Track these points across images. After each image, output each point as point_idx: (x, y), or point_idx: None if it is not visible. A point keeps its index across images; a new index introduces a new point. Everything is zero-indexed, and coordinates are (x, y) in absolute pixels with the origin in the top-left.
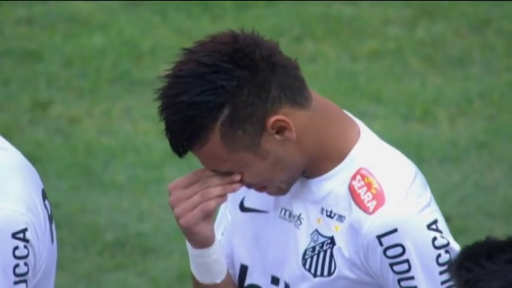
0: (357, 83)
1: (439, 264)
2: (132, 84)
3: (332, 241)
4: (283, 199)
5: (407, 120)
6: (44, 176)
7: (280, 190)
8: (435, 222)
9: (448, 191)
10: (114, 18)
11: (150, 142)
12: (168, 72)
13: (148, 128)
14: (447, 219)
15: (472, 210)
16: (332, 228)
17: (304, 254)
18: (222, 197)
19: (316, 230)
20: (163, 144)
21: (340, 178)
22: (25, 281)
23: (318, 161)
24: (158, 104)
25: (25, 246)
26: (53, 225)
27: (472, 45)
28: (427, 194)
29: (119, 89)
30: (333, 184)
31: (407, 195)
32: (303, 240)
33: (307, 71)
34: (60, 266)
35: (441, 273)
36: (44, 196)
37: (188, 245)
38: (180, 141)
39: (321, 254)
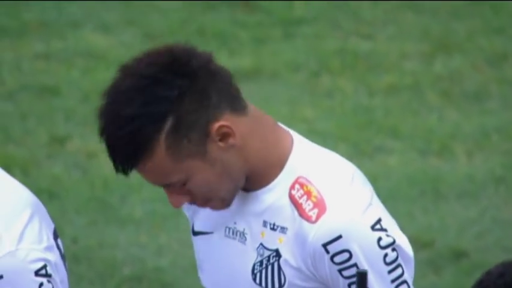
0: (373, 117)
1: (387, 264)
2: None
3: (277, 254)
4: (226, 217)
5: (424, 155)
6: (61, 211)
7: (223, 202)
8: (379, 221)
9: (465, 226)
10: (132, 53)
11: None
12: (107, 89)
13: None
14: (464, 254)
15: (489, 245)
16: (276, 240)
17: (253, 269)
18: None
19: (261, 244)
20: None
21: (279, 189)
22: None
23: (258, 173)
24: (98, 123)
25: (49, 281)
26: (66, 264)
27: (489, 80)
28: (368, 192)
29: None
30: (274, 196)
31: (347, 199)
32: (250, 256)
33: (323, 106)
34: None
35: (390, 272)
36: (56, 235)
37: None
38: (125, 158)
39: (269, 268)
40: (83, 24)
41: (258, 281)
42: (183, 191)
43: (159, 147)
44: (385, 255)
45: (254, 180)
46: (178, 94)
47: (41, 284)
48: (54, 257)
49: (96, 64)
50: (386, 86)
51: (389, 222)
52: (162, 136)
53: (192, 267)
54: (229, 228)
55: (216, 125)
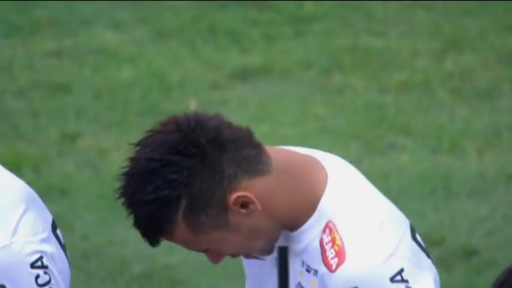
0: (385, 115)
1: None
2: (160, 116)
3: None
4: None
5: (435, 153)
6: (72, 208)
7: (264, 252)
8: (400, 272)
9: (476, 224)
10: (143, 50)
11: None
12: (123, 170)
13: None
14: (475, 252)
15: (500, 243)
16: (310, 283)
17: None
18: None
19: (299, 283)
20: None
21: (314, 231)
22: None
23: (290, 220)
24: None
25: (45, 273)
26: (67, 253)
27: (500, 78)
28: (395, 238)
29: (148, 122)
30: (309, 237)
31: (368, 249)
32: None
33: (335, 104)
34: None
35: None
36: (54, 226)
37: None
38: (148, 236)
39: None
40: (94, 22)
41: None
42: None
43: (178, 226)
44: None
45: (291, 223)
46: (188, 175)
47: (38, 276)
48: (51, 248)
49: (107, 61)
50: (397, 83)
51: (413, 272)
52: (179, 217)
53: (202, 265)
54: (277, 259)
55: (233, 196)
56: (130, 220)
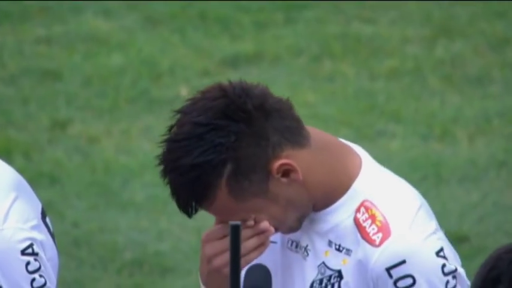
0: (375, 102)
1: None
2: (151, 103)
3: (339, 274)
4: None
5: (426, 140)
6: (62, 195)
7: (292, 229)
8: (442, 249)
9: (467, 210)
10: (133, 37)
11: None
12: (165, 137)
13: None
14: (466, 239)
15: (491, 230)
16: (340, 261)
17: (312, 285)
18: (260, 247)
19: (323, 263)
20: None
21: (344, 211)
22: None
23: (324, 195)
24: (160, 168)
25: (35, 260)
26: (56, 241)
27: (491, 64)
28: (432, 223)
29: (138, 108)
30: (339, 217)
31: (412, 225)
32: (309, 272)
33: (325, 90)
34: (79, 285)
35: None
36: (44, 214)
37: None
38: (188, 203)
39: (329, 287)
40: (85, 9)
41: None
42: None
43: (221, 191)
44: (447, 282)
45: (318, 202)
46: (235, 140)
47: (28, 263)
48: (41, 235)
49: (97, 48)
50: (388, 70)
51: (450, 254)
52: (223, 181)
53: (192, 252)
54: (293, 242)
55: (277, 163)
56: (122, 207)
